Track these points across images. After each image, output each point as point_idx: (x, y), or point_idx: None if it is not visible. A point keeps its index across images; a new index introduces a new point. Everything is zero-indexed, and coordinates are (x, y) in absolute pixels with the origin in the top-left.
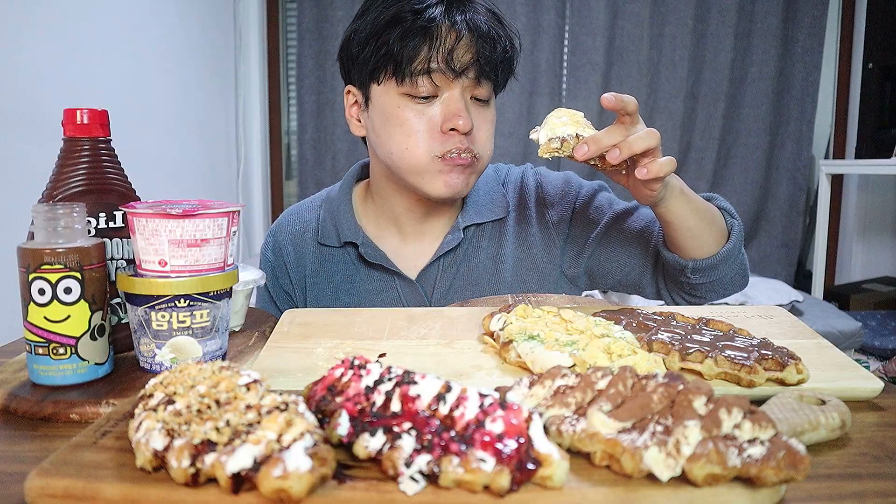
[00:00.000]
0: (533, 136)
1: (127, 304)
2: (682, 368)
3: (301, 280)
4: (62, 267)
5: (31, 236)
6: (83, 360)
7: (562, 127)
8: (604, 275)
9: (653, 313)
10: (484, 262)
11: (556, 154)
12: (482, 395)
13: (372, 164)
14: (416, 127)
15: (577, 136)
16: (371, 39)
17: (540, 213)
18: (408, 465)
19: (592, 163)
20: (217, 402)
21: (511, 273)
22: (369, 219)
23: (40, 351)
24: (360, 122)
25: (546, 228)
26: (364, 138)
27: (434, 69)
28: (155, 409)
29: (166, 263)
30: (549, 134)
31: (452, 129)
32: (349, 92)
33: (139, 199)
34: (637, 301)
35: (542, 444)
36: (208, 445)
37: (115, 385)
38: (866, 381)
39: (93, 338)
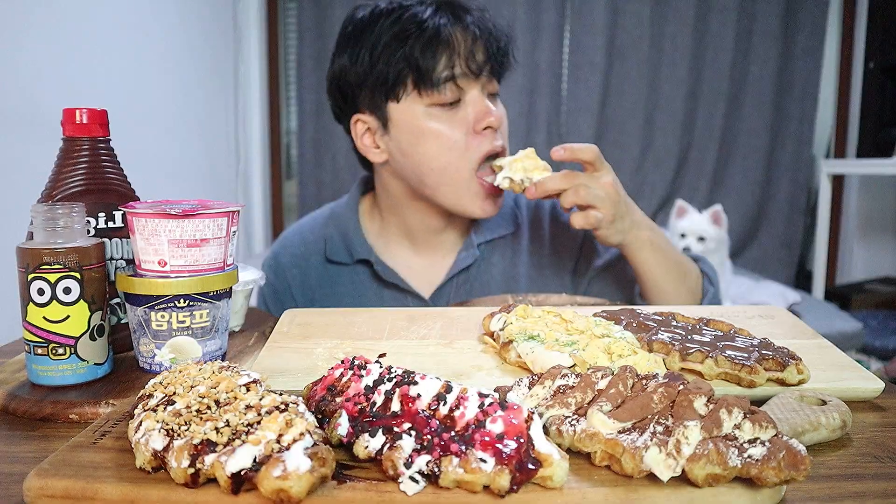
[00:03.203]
0: (499, 162)
1: (126, 304)
2: (683, 368)
3: (309, 301)
4: (61, 267)
5: (31, 236)
6: (82, 360)
7: (519, 173)
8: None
9: (653, 313)
10: (496, 279)
11: (507, 189)
12: (482, 396)
13: (388, 184)
14: (452, 136)
15: (529, 179)
16: (382, 58)
17: (553, 234)
18: (408, 465)
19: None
20: (217, 402)
21: (523, 293)
22: (378, 234)
23: (39, 351)
24: (378, 147)
25: (558, 251)
26: (371, 163)
27: (458, 74)
28: (155, 410)
29: (166, 263)
30: (507, 173)
31: (486, 128)
32: (357, 121)
33: (139, 199)
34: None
35: (542, 444)
36: (208, 446)
37: (114, 385)
38: (867, 382)
39: (92, 338)
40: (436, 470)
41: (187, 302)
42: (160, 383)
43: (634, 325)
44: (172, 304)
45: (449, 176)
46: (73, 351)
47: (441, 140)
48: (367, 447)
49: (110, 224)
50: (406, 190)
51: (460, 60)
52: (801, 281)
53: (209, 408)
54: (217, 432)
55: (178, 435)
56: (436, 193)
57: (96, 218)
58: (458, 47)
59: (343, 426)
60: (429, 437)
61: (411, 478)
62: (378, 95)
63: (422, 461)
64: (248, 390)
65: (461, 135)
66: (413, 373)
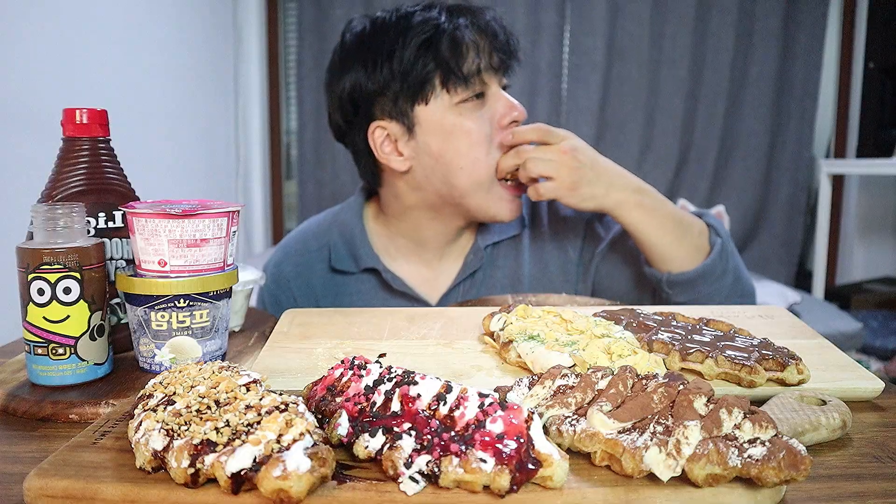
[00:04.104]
0: None
1: (126, 304)
2: (683, 368)
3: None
4: (61, 267)
5: (31, 236)
6: (82, 360)
7: None
8: (604, 290)
9: (653, 313)
10: (502, 281)
11: None
12: (482, 396)
13: (402, 194)
14: (482, 131)
15: None
16: (407, 61)
17: (553, 230)
18: (408, 465)
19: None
20: (217, 402)
21: (527, 293)
22: (385, 242)
23: (39, 351)
24: (401, 155)
25: (562, 245)
26: (377, 175)
27: (483, 68)
28: (154, 410)
29: (166, 263)
30: None
31: (512, 123)
32: (376, 129)
33: (139, 199)
34: None
35: (542, 444)
36: (208, 446)
37: (114, 385)
38: (867, 382)
39: (92, 338)
40: (436, 470)
41: (187, 302)
42: (160, 383)
43: (634, 325)
44: (172, 304)
45: (477, 173)
46: (73, 351)
47: (472, 136)
48: (367, 447)
49: (110, 224)
50: (423, 200)
51: (484, 55)
52: (801, 281)
53: (209, 408)
54: (217, 432)
55: (178, 435)
56: (464, 198)
57: (96, 218)
58: (481, 43)
59: (343, 426)
60: (429, 437)
61: (411, 478)
62: (404, 100)
63: (422, 461)
64: (248, 390)
65: (489, 129)
66: (413, 373)
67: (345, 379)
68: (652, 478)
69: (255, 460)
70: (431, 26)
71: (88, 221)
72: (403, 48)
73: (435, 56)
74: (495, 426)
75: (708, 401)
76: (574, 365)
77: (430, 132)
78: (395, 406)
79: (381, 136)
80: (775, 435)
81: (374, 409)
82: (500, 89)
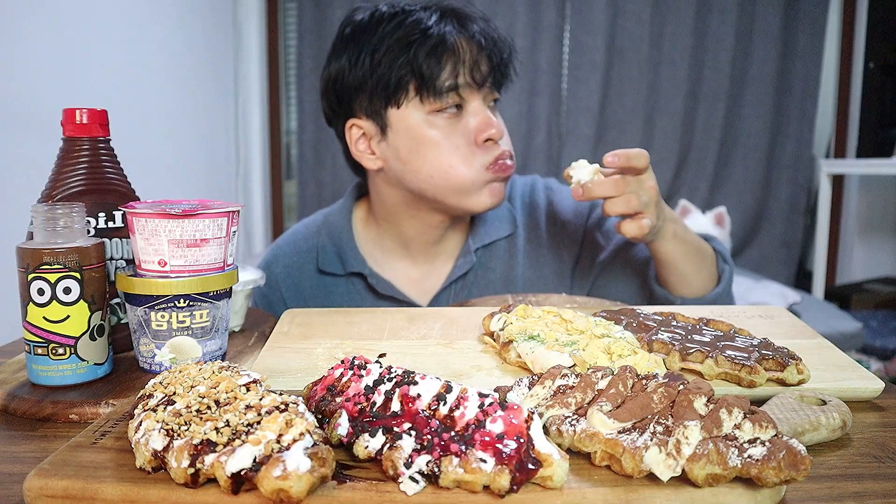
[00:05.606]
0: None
1: (126, 304)
2: (683, 368)
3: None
4: (61, 267)
5: (31, 236)
6: (82, 360)
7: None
8: (603, 298)
9: (653, 313)
10: (495, 283)
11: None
12: (482, 396)
13: (383, 192)
14: (455, 143)
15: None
16: (384, 62)
17: (551, 233)
18: (408, 465)
19: None
20: (217, 402)
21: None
22: (374, 243)
23: (39, 351)
24: (374, 154)
25: (558, 250)
26: (365, 171)
27: (461, 84)
28: (154, 410)
29: (166, 263)
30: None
31: (488, 140)
32: (352, 126)
33: (139, 199)
34: None
35: (542, 444)
36: (208, 445)
37: (114, 385)
38: (867, 382)
39: (92, 338)
40: (436, 470)
41: (187, 302)
42: (160, 383)
43: (634, 325)
44: (172, 304)
45: (452, 181)
46: (73, 351)
47: (441, 148)
48: (367, 447)
49: (110, 224)
50: (402, 198)
51: (465, 70)
52: (801, 281)
53: (209, 408)
54: (217, 432)
55: (178, 435)
56: (438, 197)
57: (96, 218)
58: (464, 56)
59: (343, 426)
60: (429, 437)
61: (411, 478)
62: (377, 100)
63: (422, 461)
64: (248, 390)
65: (462, 143)
66: (413, 373)
67: (345, 379)
68: (652, 478)
69: (255, 460)
70: (418, 31)
71: (88, 221)
72: (384, 48)
73: (412, 62)
74: (495, 426)
75: (708, 401)
76: (574, 365)
77: (400, 136)
78: (395, 406)
79: (357, 134)
80: (775, 435)
81: (374, 409)
82: (481, 104)
